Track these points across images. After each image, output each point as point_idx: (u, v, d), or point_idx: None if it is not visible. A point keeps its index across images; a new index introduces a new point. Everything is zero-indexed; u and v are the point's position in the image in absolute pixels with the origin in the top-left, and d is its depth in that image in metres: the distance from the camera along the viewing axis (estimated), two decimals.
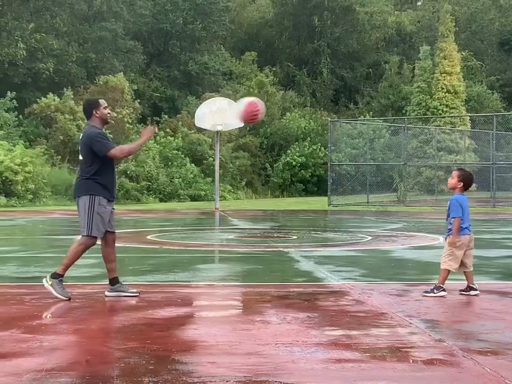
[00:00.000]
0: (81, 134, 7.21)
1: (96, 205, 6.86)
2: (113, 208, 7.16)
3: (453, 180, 7.41)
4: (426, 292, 7.18)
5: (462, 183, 7.35)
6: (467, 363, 4.57)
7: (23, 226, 18.07)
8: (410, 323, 5.79)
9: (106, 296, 7.05)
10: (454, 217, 7.25)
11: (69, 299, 6.82)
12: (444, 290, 7.14)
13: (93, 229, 6.86)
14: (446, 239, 7.37)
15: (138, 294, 7.10)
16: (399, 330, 5.53)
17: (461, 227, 7.25)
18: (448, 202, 7.43)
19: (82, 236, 6.96)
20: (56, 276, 6.90)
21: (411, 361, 4.63)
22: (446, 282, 7.15)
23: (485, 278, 8.36)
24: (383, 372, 4.37)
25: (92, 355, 4.75)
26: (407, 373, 4.36)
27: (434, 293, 7.10)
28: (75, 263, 7.06)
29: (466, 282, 7.27)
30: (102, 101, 7.22)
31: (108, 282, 7.17)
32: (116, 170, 7.31)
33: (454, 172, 7.56)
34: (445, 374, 4.33)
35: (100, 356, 4.74)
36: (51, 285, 6.86)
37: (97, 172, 6.92)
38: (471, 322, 6.05)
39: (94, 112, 7.09)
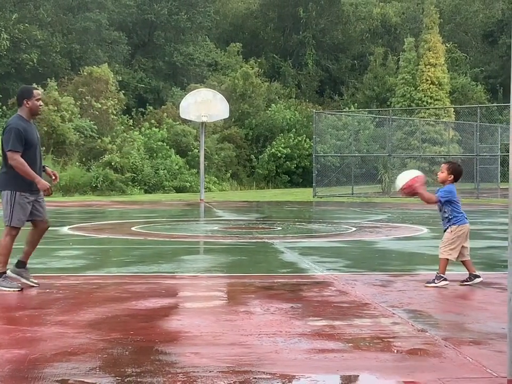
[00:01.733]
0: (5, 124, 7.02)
1: (18, 196, 6.79)
2: (42, 198, 7.05)
3: (443, 174, 7.32)
4: (428, 282, 7.15)
5: (452, 176, 7.29)
6: (449, 353, 4.60)
7: None
8: (393, 313, 5.82)
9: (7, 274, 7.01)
10: (440, 196, 7.19)
11: (21, 290, 6.81)
12: (446, 279, 7.11)
13: (13, 219, 6.83)
14: (444, 231, 7.33)
15: (37, 285, 7.04)
16: (382, 321, 5.55)
17: (459, 215, 7.23)
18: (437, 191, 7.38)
19: (6, 226, 6.94)
20: None
21: (394, 351, 4.66)
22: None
23: None
24: (365, 362, 4.39)
25: (75, 346, 4.74)
26: (389, 363, 4.38)
27: (435, 283, 7.08)
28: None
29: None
30: (36, 92, 7.00)
31: (15, 263, 7.07)
32: (43, 162, 7.08)
33: (443, 164, 7.44)
34: (427, 364, 4.35)
35: (83, 347, 4.73)
36: None
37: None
38: (454, 312, 6.08)
39: (25, 101, 6.89)
